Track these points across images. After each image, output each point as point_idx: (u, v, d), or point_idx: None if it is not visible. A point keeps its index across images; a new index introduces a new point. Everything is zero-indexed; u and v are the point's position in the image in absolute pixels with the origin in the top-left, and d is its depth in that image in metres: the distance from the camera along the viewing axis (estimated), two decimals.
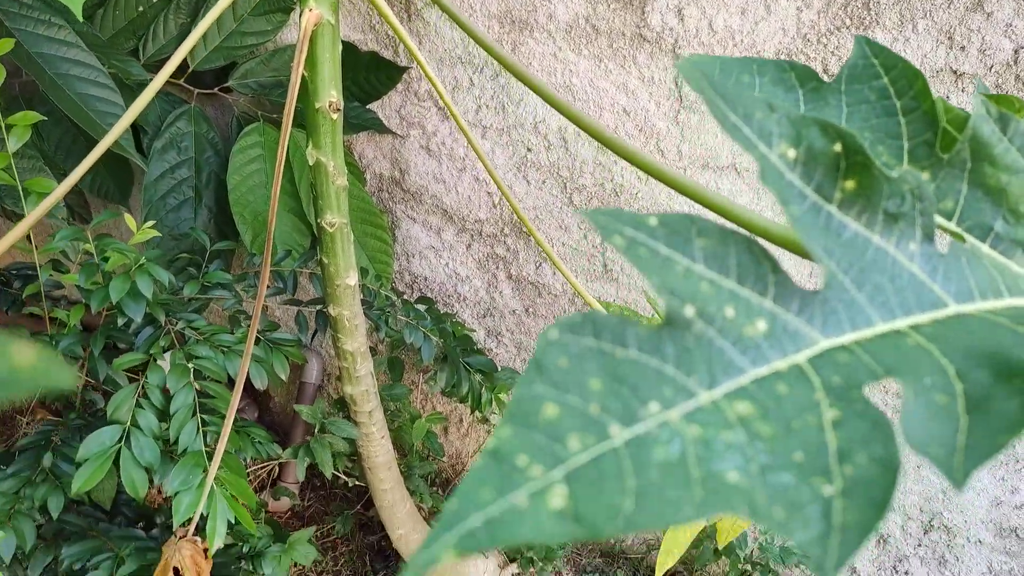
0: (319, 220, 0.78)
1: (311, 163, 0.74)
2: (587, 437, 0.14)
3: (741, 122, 0.19)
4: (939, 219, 0.24)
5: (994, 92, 0.89)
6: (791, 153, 0.19)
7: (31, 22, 0.86)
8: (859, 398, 0.15)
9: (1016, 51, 0.87)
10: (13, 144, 0.78)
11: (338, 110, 0.71)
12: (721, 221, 0.18)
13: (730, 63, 0.28)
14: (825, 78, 0.94)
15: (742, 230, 0.18)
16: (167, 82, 1.17)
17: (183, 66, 1.11)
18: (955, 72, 0.90)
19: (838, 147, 0.20)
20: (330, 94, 0.70)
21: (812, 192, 0.19)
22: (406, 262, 1.27)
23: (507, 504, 0.12)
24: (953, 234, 0.23)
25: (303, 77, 0.68)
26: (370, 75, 1.13)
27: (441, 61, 1.12)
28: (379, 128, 1.16)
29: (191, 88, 1.13)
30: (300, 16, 0.66)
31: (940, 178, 0.24)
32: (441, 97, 0.73)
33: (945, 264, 0.20)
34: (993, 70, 0.89)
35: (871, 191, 0.20)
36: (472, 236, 1.22)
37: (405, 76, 1.13)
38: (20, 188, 0.80)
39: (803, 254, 0.22)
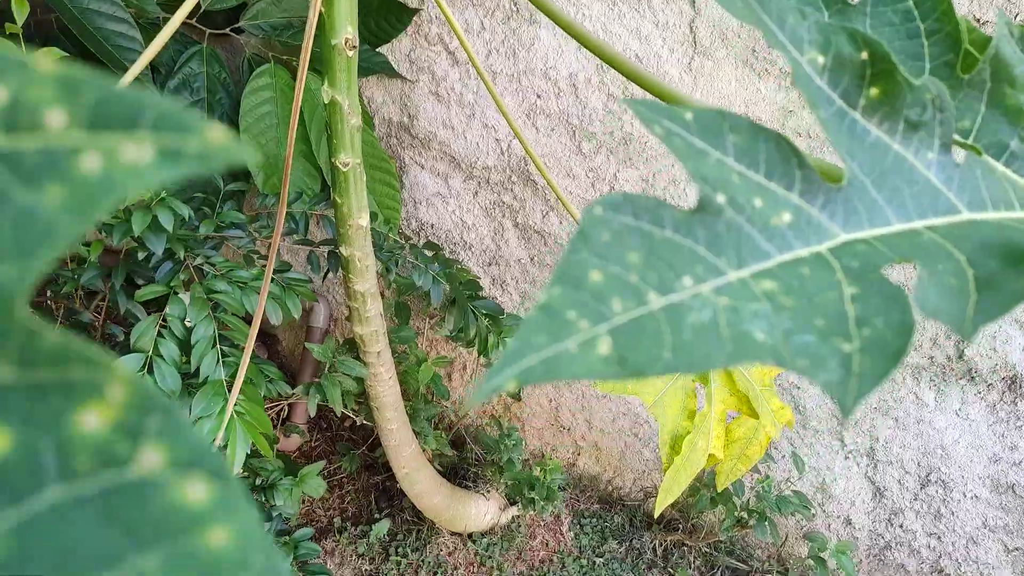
0: (333, 159, 0.78)
1: (326, 101, 0.75)
2: (628, 301, 0.15)
3: (775, 26, 0.20)
4: (957, 137, 0.25)
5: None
6: (820, 59, 0.20)
7: None
8: (877, 277, 0.17)
9: None
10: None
11: (354, 47, 0.71)
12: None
13: None
14: None
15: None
16: (184, 22, 1.16)
17: (195, 5, 1.10)
18: (978, 20, 0.89)
19: (864, 55, 0.20)
20: (346, 30, 0.70)
21: (839, 98, 0.20)
22: (413, 208, 1.28)
23: (560, 348, 0.14)
24: (971, 148, 0.24)
25: (320, 14, 0.68)
26: (380, 17, 1.11)
27: (452, 2, 1.11)
28: (389, 72, 1.15)
29: (203, 28, 1.12)
30: None
31: (959, 98, 0.25)
32: (459, 38, 0.73)
33: (960, 174, 0.21)
34: (1018, 18, 0.88)
35: (894, 99, 0.21)
36: (479, 183, 1.22)
37: (415, 19, 1.12)
38: None
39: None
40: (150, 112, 0.09)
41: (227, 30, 1.14)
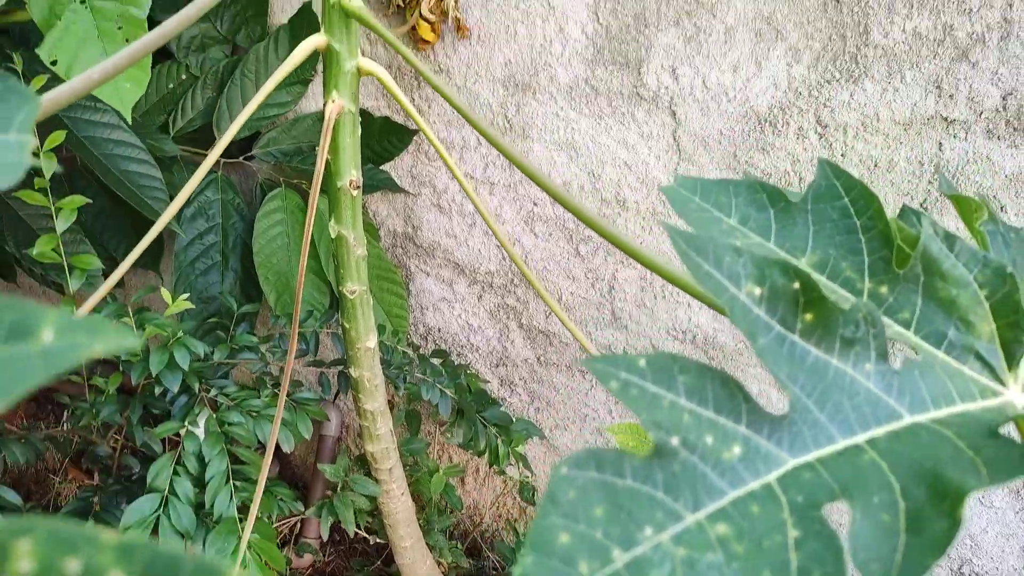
0: (341, 288, 0.82)
1: (333, 236, 0.79)
2: (594, 562, 0.17)
3: (713, 269, 0.23)
4: (899, 328, 0.27)
5: (985, 136, 0.93)
6: (757, 291, 0.23)
7: (80, 109, 0.92)
8: (818, 518, 0.19)
9: (1004, 97, 0.91)
10: (61, 225, 0.83)
11: (358, 187, 0.76)
12: (698, 357, 0.22)
13: (709, 186, 0.32)
14: (816, 131, 0.98)
15: (715, 367, 0.21)
16: (195, 153, 1.24)
17: (211, 137, 1.18)
18: (946, 119, 0.94)
19: (797, 284, 0.23)
20: (351, 174, 0.75)
21: (777, 323, 0.23)
22: (420, 314, 1.32)
23: None
24: (911, 344, 0.26)
25: (327, 161, 0.73)
26: (383, 139, 1.18)
27: (450, 123, 1.17)
28: (392, 187, 1.21)
29: (218, 158, 1.19)
30: (324, 106, 0.71)
31: (897, 291, 0.28)
32: (446, 162, 0.78)
33: (900, 379, 0.24)
34: (983, 116, 0.92)
35: (828, 321, 0.23)
36: (483, 288, 1.26)
37: (416, 138, 1.18)
38: (66, 265, 0.85)
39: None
40: (187, 566, 0.11)
41: (240, 158, 1.21)
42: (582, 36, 1.04)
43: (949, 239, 0.27)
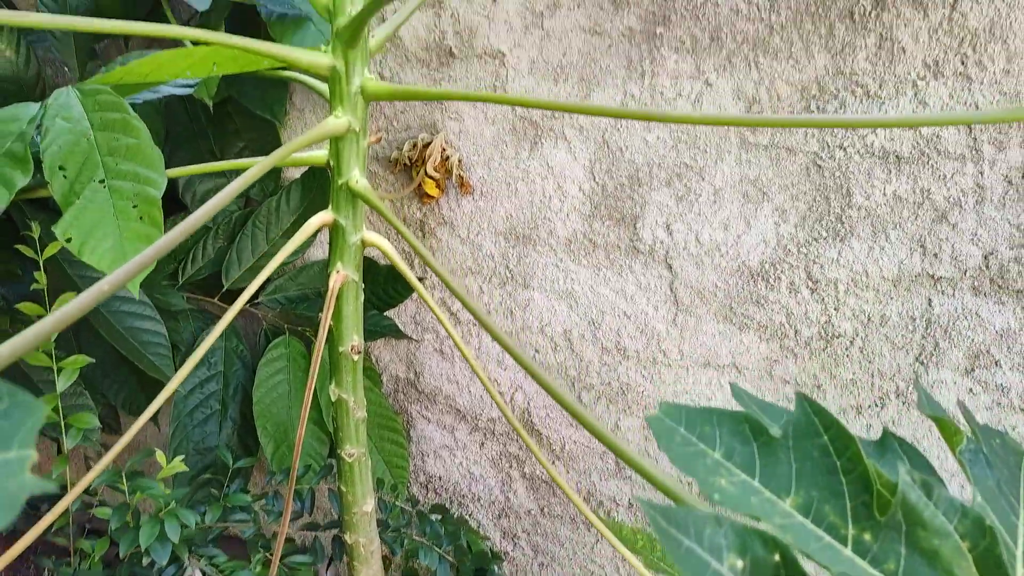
0: (339, 451, 0.82)
1: (333, 399, 0.80)
2: None
3: (694, 544, 0.23)
4: None
5: (972, 293, 0.95)
6: (739, 563, 0.23)
7: (88, 267, 0.96)
8: None
9: (986, 257, 0.94)
10: (61, 384, 0.84)
11: (359, 352, 0.78)
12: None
13: (694, 414, 0.32)
14: (808, 286, 1.00)
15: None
16: (202, 299, 1.27)
17: (218, 285, 1.21)
18: (932, 276, 0.96)
19: (777, 557, 0.23)
20: (352, 339, 0.77)
21: None
22: (421, 462, 1.30)
23: None
24: None
25: (329, 327, 0.76)
26: (388, 286, 1.22)
27: (453, 272, 1.21)
28: (396, 334, 1.23)
29: (224, 305, 1.22)
30: (328, 276, 0.74)
31: (881, 539, 0.28)
32: (443, 325, 0.80)
33: None
34: (968, 274, 0.95)
35: None
36: (485, 435, 1.25)
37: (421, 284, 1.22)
38: (63, 424, 0.85)
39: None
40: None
41: (247, 305, 1.23)
42: (579, 193, 1.09)
43: (926, 486, 0.28)
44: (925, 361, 1.00)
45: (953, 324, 0.97)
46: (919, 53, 0.89)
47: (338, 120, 0.64)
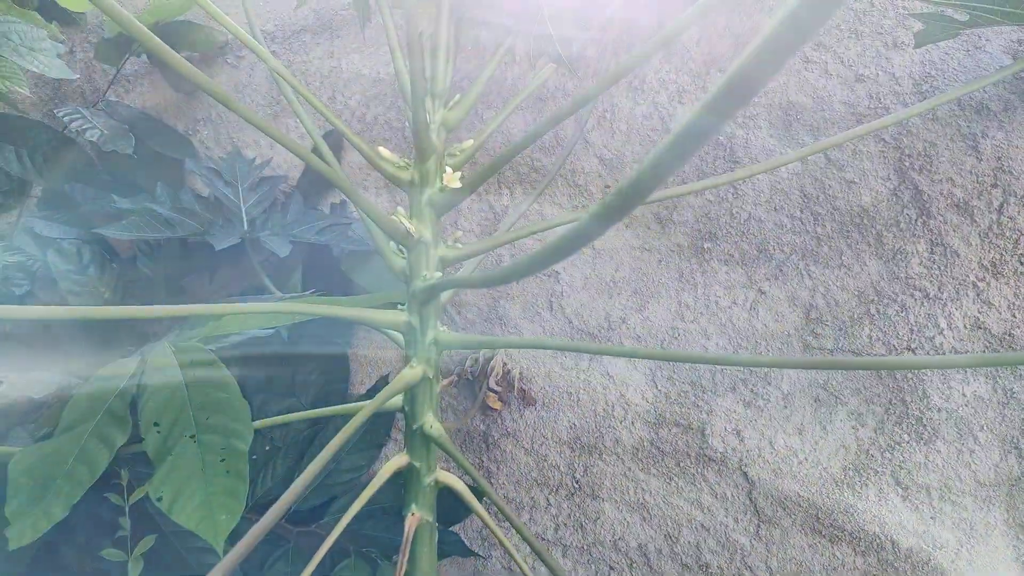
0: None
1: None
2: None
3: None
4: None
5: None
6: None
7: None
8: None
9: None
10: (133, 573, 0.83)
11: None
12: None
13: None
14: (898, 492, 0.94)
15: None
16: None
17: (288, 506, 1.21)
18: None
19: None
20: None
21: None
22: None
23: None
24: None
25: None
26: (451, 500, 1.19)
27: (518, 484, 1.19)
28: (461, 552, 1.19)
29: (290, 527, 1.21)
30: (404, 519, 0.74)
31: None
32: (510, 552, 0.77)
33: None
34: None
35: None
36: None
37: (485, 499, 1.19)
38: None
39: None
40: None
41: (312, 526, 1.22)
42: (643, 401, 1.09)
43: None
44: None
45: None
46: (974, 255, 0.91)
47: (413, 371, 0.68)
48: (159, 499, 0.68)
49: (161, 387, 0.75)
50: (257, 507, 1.24)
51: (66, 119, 1.15)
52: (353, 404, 0.62)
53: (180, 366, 0.77)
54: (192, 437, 0.73)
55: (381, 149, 0.64)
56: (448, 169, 0.63)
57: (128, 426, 0.73)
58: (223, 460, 0.72)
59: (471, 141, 0.68)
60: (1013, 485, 0.91)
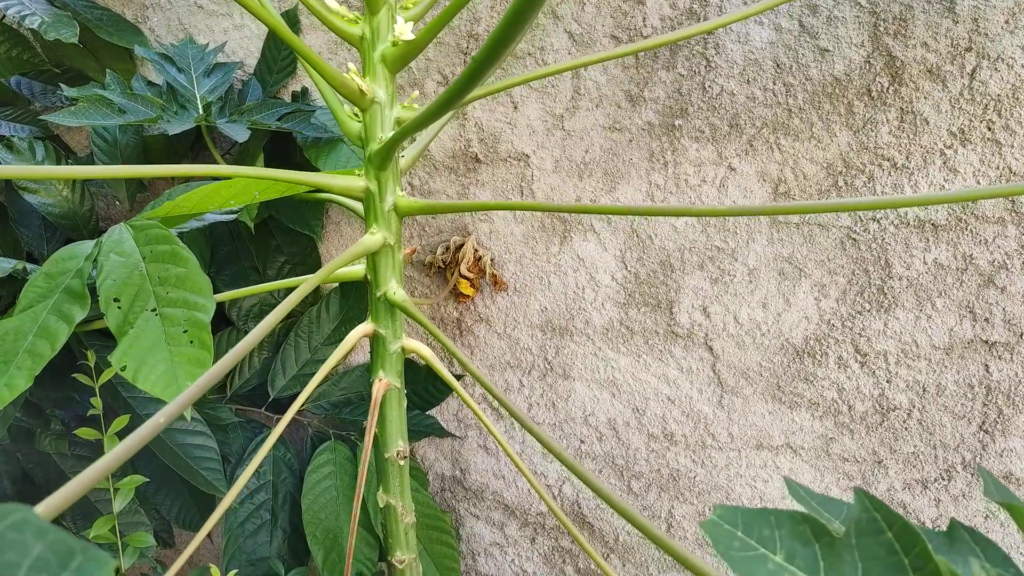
0: (389, 558, 0.81)
1: (381, 505, 0.79)
2: None
3: None
4: None
5: None
6: None
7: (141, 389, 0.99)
8: None
9: None
10: (118, 504, 0.86)
11: (405, 457, 0.78)
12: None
13: (751, 516, 0.32)
14: (857, 359, 0.98)
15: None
16: (249, 411, 1.29)
17: (264, 395, 1.24)
18: (986, 342, 0.93)
19: None
20: (397, 444, 0.77)
21: None
22: (472, 561, 1.26)
23: None
24: None
25: (375, 434, 0.76)
26: (428, 385, 1.22)
27: (492, 367, 1.21)
28: (439, 432, 1.23)
29: (271, 415, 1.24)
30: (371, 384, 0.75)
31: None
32: (484, 423, 0.80)
33: None
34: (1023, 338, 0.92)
35: None
36: (535, 529, 1.21)
37: (460, 383, 1.22)
38: (120, 544, 0.86)
39: None
40: None
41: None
42: (612, 282, 1.10)
43: None
44: (990, 429, 0.95)
45: (1015, 389, 0.93)
46: (943, 123, 0.90)
47: (373, 237, 0.67)
48: (123, 368, 0.69)
49: (119, 264, 0.74)
50: (234, 398, 1.26)
51: (3, 6, 1.08)
52: (316, 273, 0.62)
53: (137, 243, 0.76)
54: (153, 311, 0.73)
55: (329, 1, 0.61)
56: (399, 19, 0.60)
57: (87, 302, 0.73)
58: (186, 331, 0.72)
59: None
60: (965, 348, 0.94)
